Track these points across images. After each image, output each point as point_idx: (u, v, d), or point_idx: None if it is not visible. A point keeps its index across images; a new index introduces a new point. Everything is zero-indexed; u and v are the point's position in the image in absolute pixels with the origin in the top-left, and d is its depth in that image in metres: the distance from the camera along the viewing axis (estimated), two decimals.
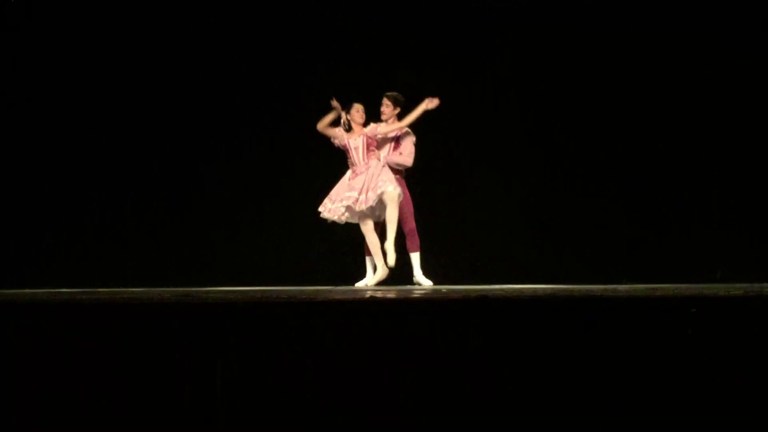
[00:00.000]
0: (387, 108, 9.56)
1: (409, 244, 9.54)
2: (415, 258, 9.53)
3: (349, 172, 9.46)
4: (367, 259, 9.52)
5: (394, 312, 5.23)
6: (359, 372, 5.05)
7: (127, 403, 5.07)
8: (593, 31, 10.86)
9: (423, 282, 9.47)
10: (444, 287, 8.94)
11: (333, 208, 9.35)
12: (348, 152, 9.43)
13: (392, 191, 9.22)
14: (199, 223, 11.04)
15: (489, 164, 11.02)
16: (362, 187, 9.25)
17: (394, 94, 9.58)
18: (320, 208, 9.41)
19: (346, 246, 9.98)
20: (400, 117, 9.53)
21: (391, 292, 7.18)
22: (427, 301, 5.72)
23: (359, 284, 9.47)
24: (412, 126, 9.50)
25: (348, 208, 9.30)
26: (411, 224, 9.54)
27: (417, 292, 7.33)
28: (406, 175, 9.64)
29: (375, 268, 9.39)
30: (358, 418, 5.03)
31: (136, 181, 11.02)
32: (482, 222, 11.01)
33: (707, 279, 10.08)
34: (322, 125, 9.50)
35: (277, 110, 11.02)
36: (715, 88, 10.77)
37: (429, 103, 9.38)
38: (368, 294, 6.40)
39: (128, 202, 11.02)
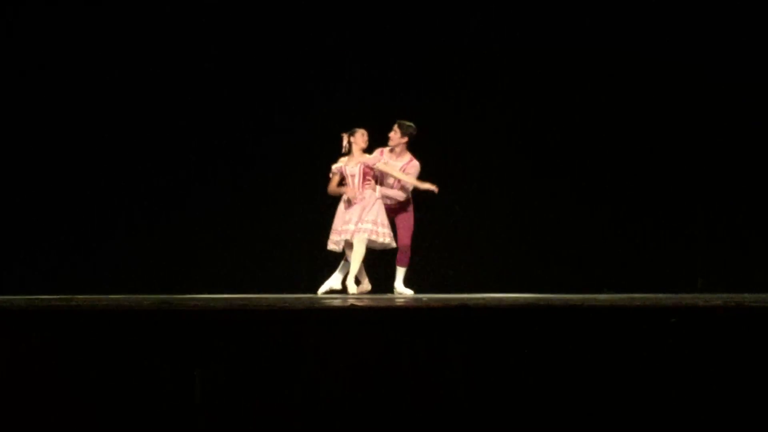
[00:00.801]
0: (395, 135, 9.48)
1: (400, 256, 9.59)
2: (401, 272, 9.61)
3: (343, 200, 9.42)
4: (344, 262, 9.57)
5: (376, 320, 5.21)
6: (340, 380, 5.03)
7: (105, 411, 5.04)
8: (579, 46, 10.89)
9: (403, 291, 9.49)
10: (425, 296, 8.93)
11: (337, 240, 9.40)
12: (344, 179, 9.41)
13: (362, 236, 9.23)
14: (181, 230, 10.99)
15: (470, 174, 11.00)
16: (357, 220, 9.27)
17: (408, 123, 9.48)
18: (328, 244, 9.45)
19: (329, 255, 9.95)
20: (408, 147, 9.51)
21: (372, 301, 7.16)
22: (408, 309, 5.70)
23: (322, 288, 9.49)
24: (418, 156, 9.51)
25: (346, 241, 9.34)
26: (407, 240, 9.58)
27: (398, 301, 7.31)
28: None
29: (345, 272, 9.42)
30: (339, 426, 5.01)
31: (116, 187, 10.95)
32: (463, 232, 11.00)
33: (688, 289, 10.10)
34: (333, 190, 9.52)
35: (263, 120, 10.98)
36: (695, 101, 10.80)
37: (429, 187, 9.39)
38: (349, 302, 6.39)
39: (108, 208, 10.95)
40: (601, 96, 10.92)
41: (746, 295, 8.45)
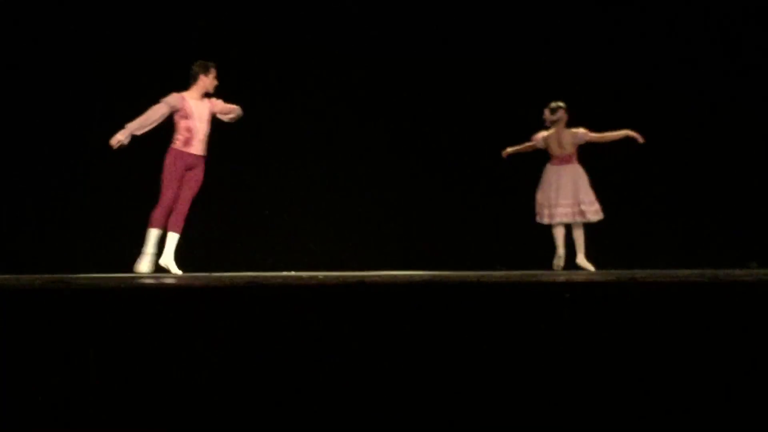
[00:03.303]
0: (205, 79, 9.20)
1: (176, 219, 9.11)
2: (175, 238, 9.03)
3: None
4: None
5: (270, 299, 5.19)
6: (230, 361, 5.00)
7: None
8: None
9: (171, 267, 9.09)
10: (321, 274, 8.92)
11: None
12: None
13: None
14: (73, 207, 10.86)
15: (369, 154, 11.05)
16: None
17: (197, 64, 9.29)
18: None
19: (220, 230, 9.89)
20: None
21: (267, 279, 7.13)
22: (304, 287, 5.68)
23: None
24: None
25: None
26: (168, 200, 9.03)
27: (292, 279, 7.28)
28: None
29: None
30: (228, 411, 4.99)
31: (9, 164, 10.80)
32: (359, 210, 11.03)
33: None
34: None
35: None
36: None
37: None
38: (245, 281, 6.35)
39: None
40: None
41: (638, 270, 8.61)
